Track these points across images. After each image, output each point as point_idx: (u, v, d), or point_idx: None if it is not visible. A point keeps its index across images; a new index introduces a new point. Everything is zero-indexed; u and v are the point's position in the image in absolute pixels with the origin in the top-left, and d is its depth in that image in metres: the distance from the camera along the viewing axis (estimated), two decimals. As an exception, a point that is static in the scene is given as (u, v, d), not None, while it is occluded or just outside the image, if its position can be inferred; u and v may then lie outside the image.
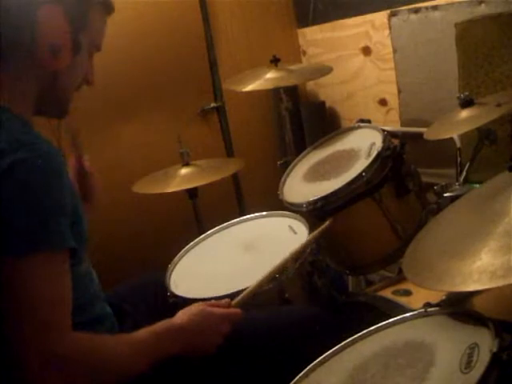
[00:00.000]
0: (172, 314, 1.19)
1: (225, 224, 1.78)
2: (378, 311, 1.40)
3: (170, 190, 2.04)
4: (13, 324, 0.93)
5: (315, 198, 1.60)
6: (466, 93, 1.54)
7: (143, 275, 1.59)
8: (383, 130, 1.70)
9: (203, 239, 1.75)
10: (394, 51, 2.30)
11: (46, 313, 0.95)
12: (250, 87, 2.06)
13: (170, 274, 1.57)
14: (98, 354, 1.01)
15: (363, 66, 2.54)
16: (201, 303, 1.22)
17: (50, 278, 0.96)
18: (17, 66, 1.06)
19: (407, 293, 1.46)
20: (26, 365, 0.92)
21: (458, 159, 1.77)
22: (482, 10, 1.85)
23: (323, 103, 2.81)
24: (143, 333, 1.09)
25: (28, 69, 1.06)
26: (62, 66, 1.08)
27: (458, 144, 1.84)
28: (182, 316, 1.16)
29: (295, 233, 1.60)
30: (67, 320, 0.98)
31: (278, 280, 1.41)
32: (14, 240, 0.93)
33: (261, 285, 1.31)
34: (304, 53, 2.91)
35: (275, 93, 2.44)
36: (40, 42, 1.05)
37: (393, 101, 2.41)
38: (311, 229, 1.56)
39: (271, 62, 2.11)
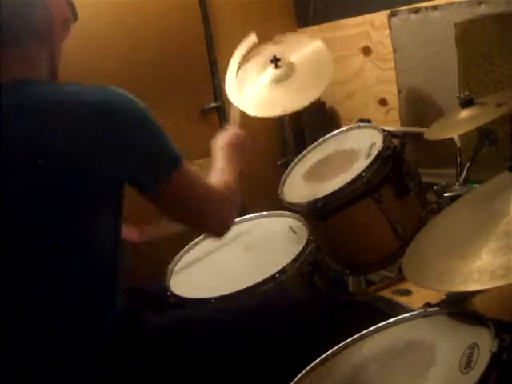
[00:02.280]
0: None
1: (225, 224, 1.78)
2: (378, 311, 1.40)
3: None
4: (202, 212, 1.20)
5: (315, 197, 1.60)
6: (466, 93, 1.54)
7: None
8: (383, 130, 1.70)
9: (203, 239, 1.75)
10: (394, 51, 2.30)
11: (211, 190, 1.23)
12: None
13: (170, 274, 1.57)
14: (234, 191, 1.31)
15: (363, 66, 2.54)
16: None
17: (194, 173, 1.19)
18: (34, 51, 1.11)
19: (407, 293, 1.46)
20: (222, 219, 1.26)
21: (458, 159, 1.76)
22: (482, 10, 1.85)
23: (323, 103, 2.81)
24: (221, 165, 1.37)
25: (40, 51, 1.12)
26: (67, 36, 1.18)
27: (458, 144, 1.84)
28: (221, 141, 1.49)
29: (295, 233, 1.60)
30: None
31: (278, 280, 1.41)
32: (162, 165, 1.12)
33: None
34: (304, 53, 2.91)
35: (275, 93, 2.43)
36: (56, 20, 1.13)
37: (393, 101, 2.41)
38: (311, 229, 1.56)
39: (271, 61, 2.10)
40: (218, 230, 1.29)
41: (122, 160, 1.06)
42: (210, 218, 1.23)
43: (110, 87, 1.09)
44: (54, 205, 1.02)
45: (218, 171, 1.35)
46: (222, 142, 1.48)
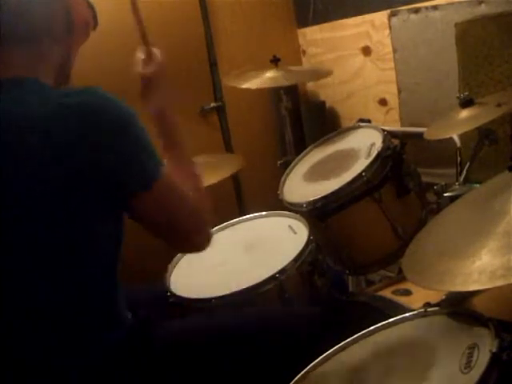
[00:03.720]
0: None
1: (225, 224, 1.78)
2: (378, 311, 1.40)
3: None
4: (177, 228, 1.14)
5: (315, 197, 1.60)
6: (466, 93, 1.54)
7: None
8: (383, 130, 1.70)
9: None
10: (394, 51, 2.30)
11: (191, 205, 1.15)
12: (249, 84, 2.06)
13: (170, 274, 1.57)
14: (206, 201, 1.21)
15: (363, 66, 2.54)
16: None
17: (175, 184, 1.12)
18: (49, 51, 1.10)
19: (407, 293, 1.46)
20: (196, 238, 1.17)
21: (458, 159, 1.76)
22: (482, 10, 1.85)
23: (323, 103, 2.81)
24: (180, 165, 1.24)
25: (56, 51, 1.12)
26: (85, 40, 1.17)
27: (458, 144, 1.84)
28: (155, 106, 1.29)
29: (295, 233, 1.60)
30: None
31: (278, 280, 1.41)
32: (140, 176, 1.05)
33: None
34: (304, 53, 2.91)
35: (275, 93, 2.44)
36: (77, 22, 1.13)
37: (393, 101, 2.41)
38: (311, 229, 1.56)
39: (271, 61, 2.11)
40: (202, 241, 1.19)
41: (107, 165, 1.02)
42: (194, 227, 1.17)
43: (95, 89, 1.05)
44: (45, 211, 1.00)
45: (182, 170, 1.23)
46: (157, 107, 1.29)
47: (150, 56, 1.32)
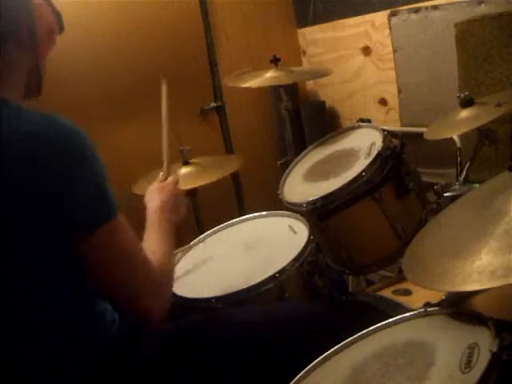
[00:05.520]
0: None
1: (225, 224, 1.78)
2: (378, 311, 1.40)
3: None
4: (118, 279, 1.08)
5: (315, 197, 1.60)
6: (466, 93, 1.54)
7: None
8: (383, 130, 1.70)
9: (203, 239, 1.75)
10: (394, 51, 2.30)
11: (142, 256, 1.12)
12: (249, 83, 2.06)
13: (170, 274, 1.57)
14: (166, 269, 1.21)
15: (363, 66, 2.54)
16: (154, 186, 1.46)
17: (126, 230, 1.09)
18: (13, 57, 1.08)
19: (407, 293, 1.46)
20: (144, 302, 1.11)
21: (458, 159, 1.76)
22: (482, 10, 1.85)
23: (323, 103, 2.81)
24: (153, 240, 1.25)
25: (20, 58, 1.09)
26: (52, 47, 1.13)
27: (458, 144, 1.84)
28: (153, 203, 1.37)
29: (295, 233, 1.60)
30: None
31: (278, 280, 1.41)
32: (86, 216, 1.02)
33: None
34: (304, 53, 2.91)
35: (275, 93, 2.44)
36: (41, 28, 1.10)
37: (393, 101, 2.41)
38: (311, 229, 1.56)
39: (271, 61, 2.11)
40: (148, 309, 1.11)
41: (58, 199, 0.98)
42: (137, 286, 1.10)
43: (56, 118, 1.01)
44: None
45: (152, 247, 1.22)
46: (154, 204, 1.37)
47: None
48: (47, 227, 0.99)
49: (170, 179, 1.50)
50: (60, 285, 1.05)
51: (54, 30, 1.13)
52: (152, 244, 1.24)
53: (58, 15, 1.15)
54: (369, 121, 1.86)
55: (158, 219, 1.33)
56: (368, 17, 2.41)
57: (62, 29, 1.16)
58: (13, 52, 1.07)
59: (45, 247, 1.01)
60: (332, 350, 1.07)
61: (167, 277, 1.22)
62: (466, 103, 1.52)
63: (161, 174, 1.54)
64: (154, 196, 1.41)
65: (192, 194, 2.12)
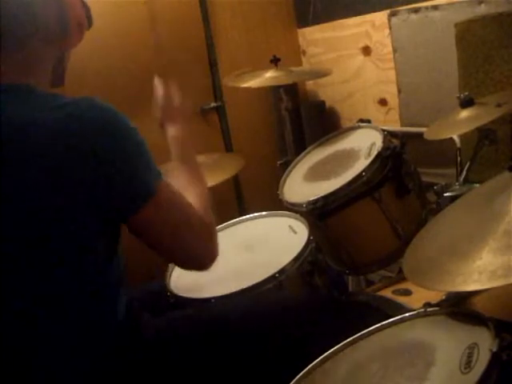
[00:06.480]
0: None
1: (225, 224, 1.78)
2: (378, 311, 1.40)
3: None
4: (180, 245, 1.13)
5: (315, 197, 1.60)
6: (466, 93, 1.54)
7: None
8: (383, 130, 1.70)
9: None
10: (394, 51, 2.30)
11: (192, 208, 1.15)
12: (249, 83, 2.06)
13: (170, 274, 1.57)
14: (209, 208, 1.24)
15: (363, 66, 2.54)
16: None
17: (177, 198, 1.13)
18: (42, 51, 1.09)
19: (407, 293, 1.46)
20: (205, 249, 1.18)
21: (458, 159, 1.76)
22: (482, 10, 1.85)
23: (323, 103, 2.81)
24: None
25: (49, 51, 1.11)
26: (80, 41, 1.15)
27: (458, 144, 1.84)
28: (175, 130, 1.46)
29: (295, 233, 1.60)
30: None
31: (277, 280, 1.41)
32: (139, 190, 1.05)
33: None
34: (304, 53, 2.91)
35: (275, 93, 2.44)
36: (72, 20, 1.12)
37: (393, 101, 2.41)
38: (311, 229, 1.56)
39: (271, 61, 2.11)
40: (206, 258, 1.20)
41: (107, 178, 1.01)
42: (197, 242, 1.16)
43: (92, 99, 1.05)
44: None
45: (189, 187, 1.26)
46: (176, 134, 1.47)
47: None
48: (98, 210, 1.02)
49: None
50: (99, 273, 1.08)
51: (83, 24, 1.15)
52: (188, 187, 1.27)
53: (87, 9, 1.17)
54: (369, 121, 1.86)
55: (181, 150, 1.41)
56: (368, 17, 2.41)
57: (90, 23, 1.18)
58: (42, 49, 1.09)
59: (96, 231, 1.04)
60: (332, 350, 1.07)
61: (211, 215, 1.24)
62: (466, 103, 1.52)
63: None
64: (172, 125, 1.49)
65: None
